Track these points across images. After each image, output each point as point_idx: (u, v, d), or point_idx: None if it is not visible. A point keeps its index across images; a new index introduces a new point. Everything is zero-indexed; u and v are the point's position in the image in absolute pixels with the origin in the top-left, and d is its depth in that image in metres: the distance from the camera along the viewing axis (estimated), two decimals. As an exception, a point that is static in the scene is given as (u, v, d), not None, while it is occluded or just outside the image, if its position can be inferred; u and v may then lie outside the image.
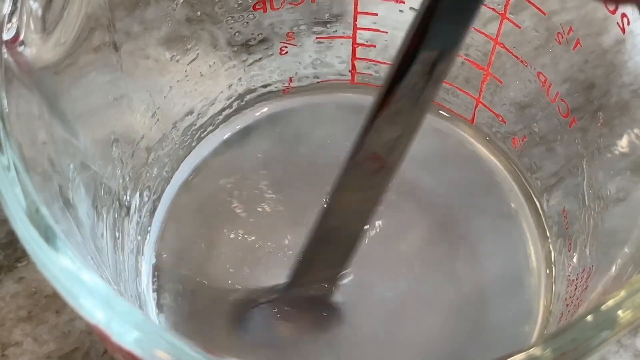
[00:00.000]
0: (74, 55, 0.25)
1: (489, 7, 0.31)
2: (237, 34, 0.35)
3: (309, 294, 0.30)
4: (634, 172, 0.27)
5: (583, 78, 0.31)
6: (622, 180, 0.28)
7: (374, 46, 0.36)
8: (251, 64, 0.36)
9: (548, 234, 0.33)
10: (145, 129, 0.33)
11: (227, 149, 0.37)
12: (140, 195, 0.33)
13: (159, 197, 0.35)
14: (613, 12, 0.26)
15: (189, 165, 0.36)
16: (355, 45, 0.36)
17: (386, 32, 0.35)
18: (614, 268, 0.24)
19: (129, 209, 0.32)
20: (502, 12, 0.31)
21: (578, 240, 0.30)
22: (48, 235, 0.20)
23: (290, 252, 0.33)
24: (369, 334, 0.31)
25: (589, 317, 0.19)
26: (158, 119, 0.33)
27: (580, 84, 0.31)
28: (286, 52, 0.36)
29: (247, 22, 0.34)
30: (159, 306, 0.32)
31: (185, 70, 0.34)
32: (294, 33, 0.35)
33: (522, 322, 0.32)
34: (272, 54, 0.36)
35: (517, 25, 0.31)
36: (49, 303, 0.33)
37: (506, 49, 0.32)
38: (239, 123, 0.37)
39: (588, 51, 0.29)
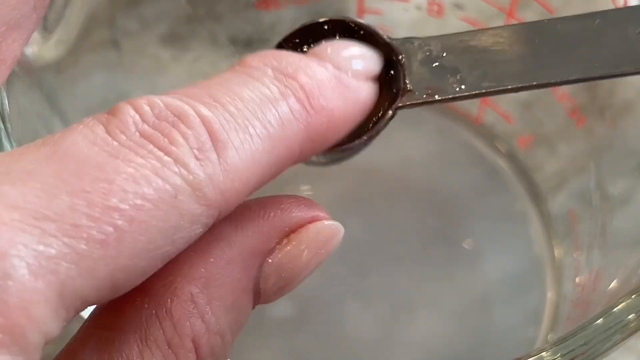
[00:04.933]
0: (75, 54, 0.25)
1: (495, 6, 0.31)
2: (240, 32, 0.34)
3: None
4: (642, 172, 0.27)
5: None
6: (630, 180, 0.28)
7: (378, 45, 0.36)
8: (254, 63, 0.36)
9: (555, 235, 0.33)
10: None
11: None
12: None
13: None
14: None
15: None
16: (359, 44, 0.36)
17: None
18: (623, 270, 0.24)
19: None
20: (508, 10, 0.31)
21: (585, 241, 0.30)
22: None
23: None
24: (372, 337, 0.31)
25: (600, 321, 0.18)
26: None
27: (584, 82, 0.30)
28: (289, 51, 0.36)
29: (251, 21, 0.34)
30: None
31: (189, 70, 0.33)
32: (297, 32, 0.35)
33: (528, 324, 0.31)
34: (275, 53, 0.36)
35: (523, 24, 0.31)
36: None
37: (512, 48, 0.32)
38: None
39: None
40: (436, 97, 0.18)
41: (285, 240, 0.16)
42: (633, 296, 0.19)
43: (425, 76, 0.18)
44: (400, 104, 0.18)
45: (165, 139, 0.13)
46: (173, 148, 0.13)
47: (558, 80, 0.18)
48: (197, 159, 0.13)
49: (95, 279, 0.12)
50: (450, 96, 0.18)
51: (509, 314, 0.32)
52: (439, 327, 0.31)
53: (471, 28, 0.33)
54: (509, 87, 0.18)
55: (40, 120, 0.24)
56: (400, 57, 0.18)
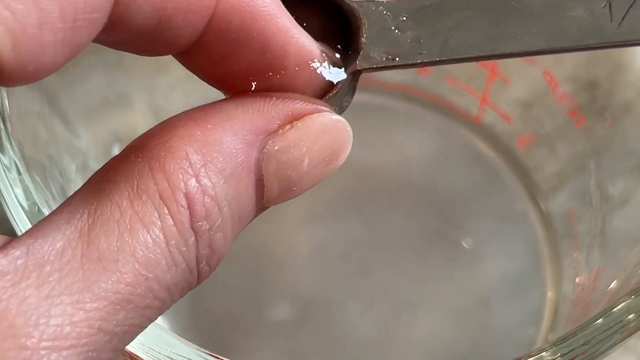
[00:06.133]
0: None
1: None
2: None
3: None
4: (642, 172, 0.27)
5: (587, 77, 0.30)
6: (630, 180, 0.28)
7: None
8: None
9: (554, 235, 0.33)
10: (147, 129, 0.32)
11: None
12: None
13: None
14: None
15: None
16: (359, 44, 0.36)
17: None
18: (622, 270, 0.24)
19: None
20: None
21: (585, 241, 0.30)
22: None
23: (295, 252, 0.33)
24: (372, 337, 0.31)
25: (600, 321, 0.18)
26: (160, 119, 0.33)
27: (584, 83, 0.30)
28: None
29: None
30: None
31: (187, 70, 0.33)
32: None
33: (528, 324, 0.31)
34: (275, 53, 0.36)
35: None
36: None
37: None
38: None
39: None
40: (395, 61, 0.18)
41: (288, 126, 0.15)
42: (633, 296, 0.19)
43: (385, 41, 0.18)
44: (358, 68, 0.18)
45: None
46: None
47: (520, 51, 0.18)
48: None
49: None
50: (409, 62, 0.18)
51: (509, 314, 0.32)
52: (438, 327, 0.31)
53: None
54: (470, 55, 0.18)
55: (40, 120, 0.24)
56: (359, 20, 0.18)
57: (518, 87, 0.33)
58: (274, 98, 0.15)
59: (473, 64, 0.34)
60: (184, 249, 0.14)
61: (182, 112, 0.15)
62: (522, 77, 0.33)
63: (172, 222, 0.13)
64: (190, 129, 0.14)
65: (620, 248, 0.26)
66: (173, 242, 0.13)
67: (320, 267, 0.33)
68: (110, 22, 0.13)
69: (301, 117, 0.15)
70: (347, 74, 0.17)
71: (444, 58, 0.18)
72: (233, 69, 0.15)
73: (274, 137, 0.15)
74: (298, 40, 0.15)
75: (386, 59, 0.18)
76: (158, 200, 0.13)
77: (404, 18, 0.18)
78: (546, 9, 0.18)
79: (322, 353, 0.31)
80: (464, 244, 0.33)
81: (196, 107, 0.15)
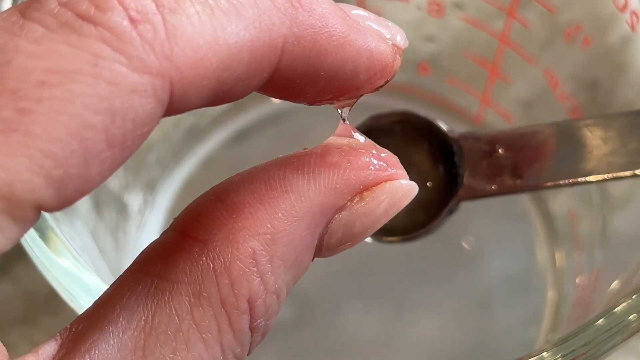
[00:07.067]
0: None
1: (494, 5, 0.31)
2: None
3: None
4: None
5: (587, 76, 0.30)
6: (631, 180, 0.28)
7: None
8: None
9: (555, 235, 0.33)
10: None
11: (229, 148, 0.36)
12: (142, 195, 0.33)
13: (161, 197, 0.34)
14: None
15: (191, 165, 0.36)
16: (359, 44, 0.35)
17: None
18: (624, 270, 0.24)
19: (130, 209, 0.31)
20: (508, 10, 0.31)
21: (586, 241, 0.30)
22: (48, 237, 0.20)
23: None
24: (371, 337, 0.31)
25: (601, 321, 0.18)
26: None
27: (585, 82, 0.30)
28: (289, 51, 0.36)
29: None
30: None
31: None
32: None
33: (529, 324, 0.31)
34: (275, 53, 0.36)
35: (523, 24, 0.31)
36: (45, 305, 0.33)
37: (512, 48, 0.32)
38: (241, 122, 0.37)
39: (595, 49, 0.29)
40: (494, 190, 0.19)
41: (357, 198, 0.14)
42: (634, 296, 0.19)
43: (485, 171, 0.19)
44: (460, 198, 0.19)
45: (91, 5, 0.11)
46: (97, 13, 0.11)
47: (611, 177, 0.19)
48: (132, 21, 0.11)
49: (15, 172, 0.11)
50: (508, 191, 0.19)
51: (510, 314, 0.32)
52: (439, 327, 0.31)
53: (471, 28, 0.33)
54: (566, 181, 0.19)
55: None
56: (460, 152, 0.19)
57: (518, 87, 0.33)
58: (347, 168, 0.14)
59: (472, 63, 0.34)
60: (239, 350, 0.13)
61: (246, 185, 0.14)
62: (522, 77, 0.33)
63: (231, 333, 0.13)
64: (259, 219, 0.13)
65: (621, 248, 0.26)
66: (229, 351, 0.13)
67: (320, 267, 0.33)
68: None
69: (371, 187, 0.15)
70: (451, 204, 0.19)
71: (541, 185, 0.18)
72: (299, 98, 0.14)
73: (341, 211, 0.14)
74: (368, 56, 0.14)
75: (486, 189, 0.19)
76: (220, 308, 0.13)
77: (501, 149, 0.19)
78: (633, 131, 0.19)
79: (322, 353, 0.31)
80: (464, 244, 0.33)
81: (261, 178, 0.14)
